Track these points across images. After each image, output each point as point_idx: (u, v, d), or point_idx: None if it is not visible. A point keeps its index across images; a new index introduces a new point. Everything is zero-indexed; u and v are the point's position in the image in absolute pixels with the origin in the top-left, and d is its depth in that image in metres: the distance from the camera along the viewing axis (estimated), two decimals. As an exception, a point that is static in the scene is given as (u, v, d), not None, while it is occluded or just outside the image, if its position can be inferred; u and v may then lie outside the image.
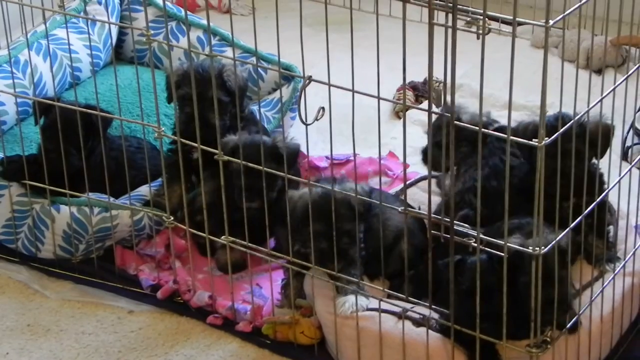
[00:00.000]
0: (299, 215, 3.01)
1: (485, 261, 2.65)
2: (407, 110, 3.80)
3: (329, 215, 2.89)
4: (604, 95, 2.62)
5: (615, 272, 2.99)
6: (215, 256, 3.49)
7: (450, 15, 2.33)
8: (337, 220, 2.91)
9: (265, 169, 2.98)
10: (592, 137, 2.89)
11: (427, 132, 3.41)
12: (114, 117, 3.54)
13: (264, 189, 3.01)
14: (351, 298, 2.99)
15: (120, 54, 4.67)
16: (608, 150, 3.06)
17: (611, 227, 3.22)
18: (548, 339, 2.63)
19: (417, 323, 2.91)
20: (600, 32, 3.73)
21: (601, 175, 3.09)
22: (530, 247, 2.48)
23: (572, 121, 2.54)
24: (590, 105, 2.58)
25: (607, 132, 3.06)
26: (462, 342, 2.79)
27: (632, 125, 4.15)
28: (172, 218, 3.29)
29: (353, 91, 2.64)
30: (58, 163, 3.43)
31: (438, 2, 2.35)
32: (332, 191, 2.88)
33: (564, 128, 2.48)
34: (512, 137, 2.42)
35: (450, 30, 2.33)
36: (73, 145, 3.46)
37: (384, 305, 2.91)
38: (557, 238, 2.56)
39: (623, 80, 2.74)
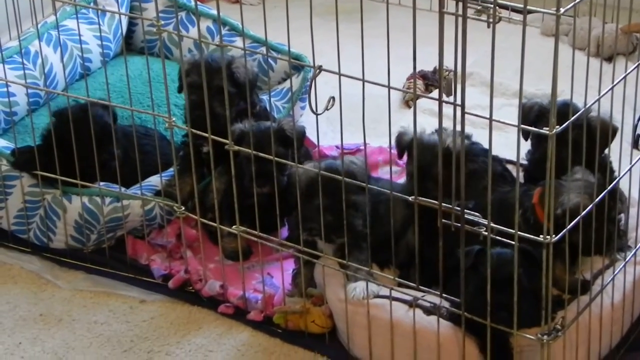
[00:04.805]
0: (303, 190, 3.00)
1: (511, 254, 2.64)
2: (417, 99, 3.79)
3: (333, 188, 2.88)
4: (615, 83, 2.61)
5: (626, 260, 2.99)
6: (222, 244, 3.49)
7: (460, 4, 2.32)
8: (340, 192, 2.88)
9: (274, 157, 2.98)
10: (594, 134, 2.91)
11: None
12: (125, 108, 3.55)
13: (274, 174, 3.01)
14: (362, 284, 2.99)
15: (130, 45, 4.67)
16: (618, 139, 3.06)
17: (622, 216, 3.21)
18: (559, 327, 2.63)
19: (427, 311, 2.92)
20: (610, 19, 3.71)
21: (611, 163, 3.08)
22: (541, 236, 2.47)
23: (582, 110, 2.54)
24: (602, 94, 2.58)
25: (607, 131, 3.08)
26: (473, 330, 2.79)
27: (643, 113, 4.13)
28: (183, 208, 3.30)
29: (363, 80, 2.64)
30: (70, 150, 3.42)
31: (448, -10, 2.34)
32: (342, 165, 2.88)
33: (574, 117, 2.47)
34: (522, 126, 2.42)
35: (460, 19, 2.33)
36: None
37: (395, 294, 2.91)
38: (568, 227, 2.56)
39: (634, 68, 2.73)
